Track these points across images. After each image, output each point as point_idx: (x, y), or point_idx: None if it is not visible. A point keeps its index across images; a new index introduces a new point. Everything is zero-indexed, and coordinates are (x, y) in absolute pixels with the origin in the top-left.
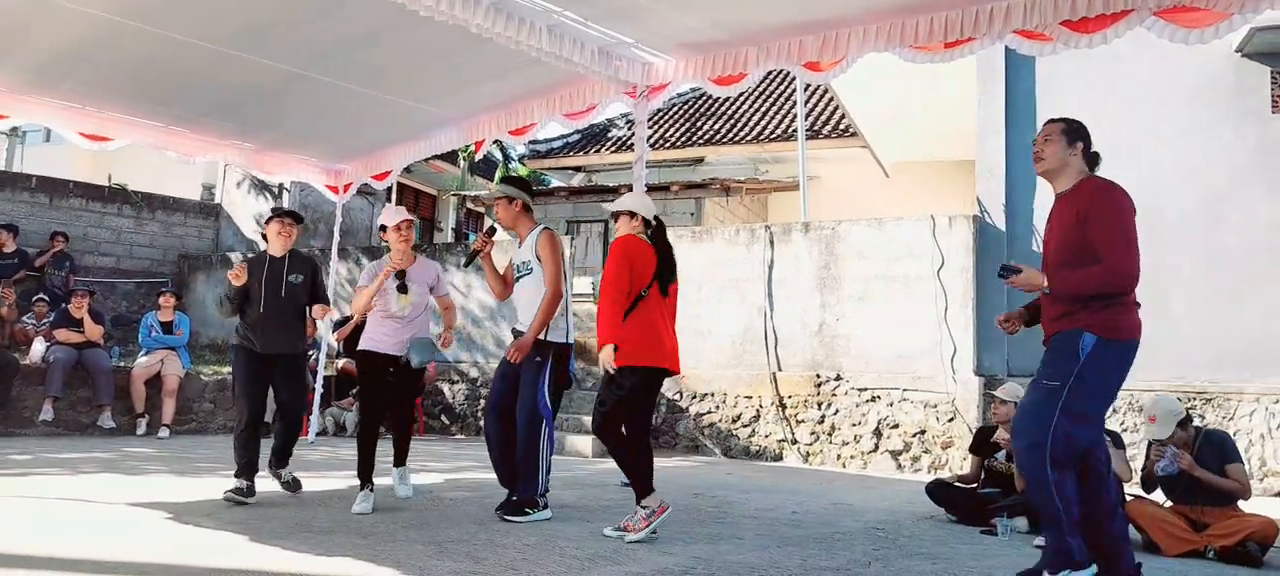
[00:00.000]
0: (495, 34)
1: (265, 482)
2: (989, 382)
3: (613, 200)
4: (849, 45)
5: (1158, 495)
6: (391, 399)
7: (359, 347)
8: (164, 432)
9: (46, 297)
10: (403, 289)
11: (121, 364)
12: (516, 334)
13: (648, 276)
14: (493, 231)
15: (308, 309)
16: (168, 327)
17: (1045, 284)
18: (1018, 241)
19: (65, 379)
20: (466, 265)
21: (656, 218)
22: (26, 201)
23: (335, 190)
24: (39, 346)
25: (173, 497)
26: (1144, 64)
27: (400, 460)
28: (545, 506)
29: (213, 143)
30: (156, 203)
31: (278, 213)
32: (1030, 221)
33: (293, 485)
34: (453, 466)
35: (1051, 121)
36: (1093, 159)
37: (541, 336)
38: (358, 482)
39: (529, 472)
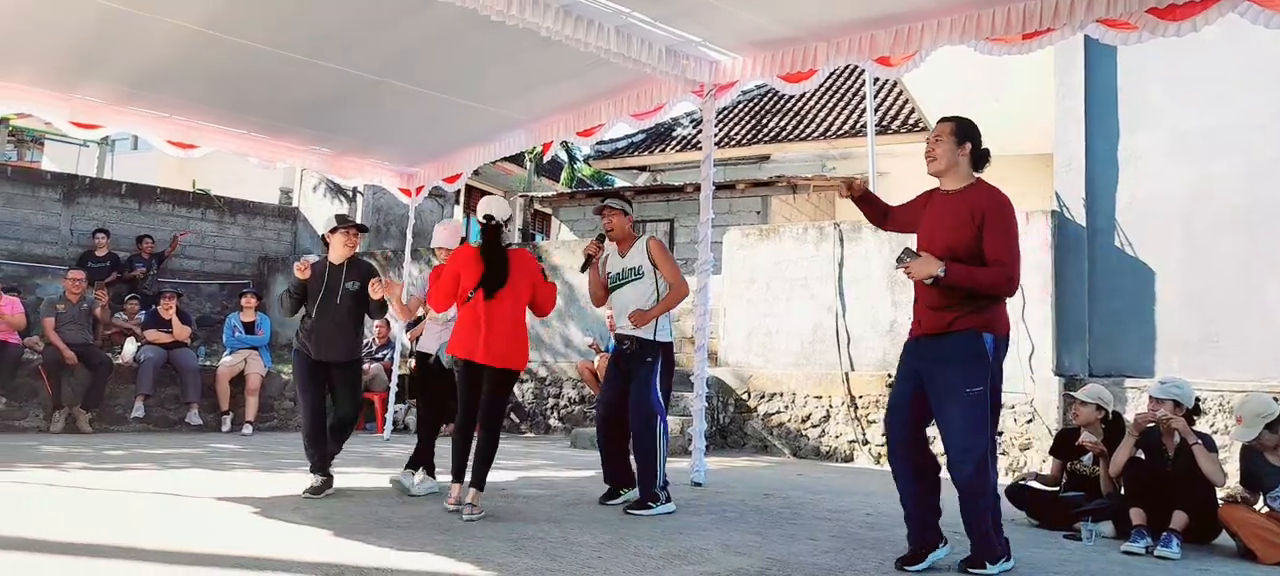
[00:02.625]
0: (564, 36)
1: (352, 478)
2: (1069, 383)
3: (678, 199)
4: (922, 39)
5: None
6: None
7: (417, 349)
8: (247, 429)
9: (138, 297)
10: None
11: (207, 363)
12: (621, 339)
13: (470, 285)
14: (603, 238)
15: (367, 312)
16: (250, 328)
17: (939, 270)
18: (1100, 237)
19: (155, 377)
20: (583, 270)
21: (489, 219)
22: (117, 207)
23: (408, 193)
24: (130, 346)
25: (258, 492)
26: (1231, 50)
27: (419, 462)
28: (667, 499)
29: (291, 148)
30: (237, 207)
31: (343, 222)
32: (1112, 217)
33: (321, 487)
34: (524, 464)
35: (943, 121)
36: (980, 158)
37: (653, 336)
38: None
39: (649, 468)
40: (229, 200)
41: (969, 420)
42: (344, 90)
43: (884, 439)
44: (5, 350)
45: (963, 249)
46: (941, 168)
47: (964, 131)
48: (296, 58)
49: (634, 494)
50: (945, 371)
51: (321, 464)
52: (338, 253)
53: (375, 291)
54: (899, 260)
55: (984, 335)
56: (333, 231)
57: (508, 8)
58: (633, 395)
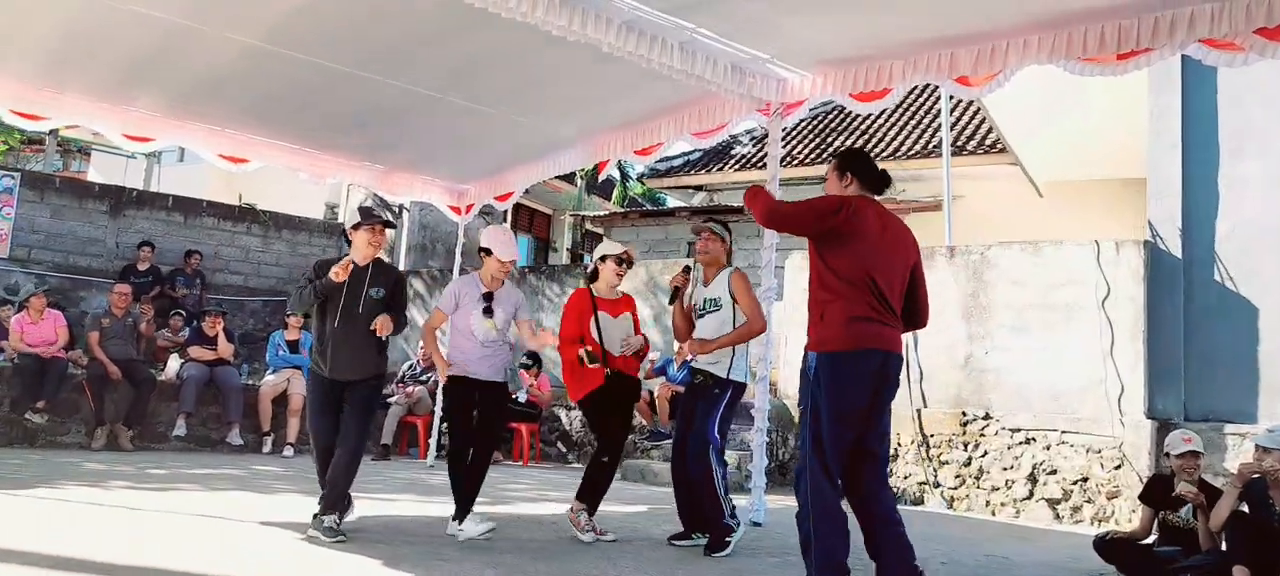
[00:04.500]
0: (626, 52)
1: (396, 507)
2: (1162, 426)
3: (737, 221)
4: (1007, 58)
5: None
6: (481, 427)
7: (450, 373)
8: (288, 451)
9: (182, 312)
10: (489, 312)
11: (249, 382)
12: (693, 372)
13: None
14: (688, 270)
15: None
16: (294, 347)
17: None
18: (1197, 269)
19: (198, 395)
20: (671, 302)
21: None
22: (163, 220)
23: (458, 211)
24: (174, 363)
25: (302, 516)
26: None
27: (464, 510)
28: (738, 524)
29: (342, 163)
30: (283, 222)
31: (368, 217)
32: (1211, 248)
33: (333, 532)
34: (570, 497)
35: (832, 155)
36: (876, 181)
37: (726, 373)
38: (455, 514)
39: (715, 503)
40: (274, 215)
41: (801, 443)
42: (400, 105)
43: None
44: (50, 365)
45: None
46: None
47: (845, 164)
48: (355, 73)
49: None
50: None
51: (334, 505)
52: (361, 252)
53: (381, 329)
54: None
55: (807, 354)
56: (356, 227)
57: (570, 23)
58: (692, 426)
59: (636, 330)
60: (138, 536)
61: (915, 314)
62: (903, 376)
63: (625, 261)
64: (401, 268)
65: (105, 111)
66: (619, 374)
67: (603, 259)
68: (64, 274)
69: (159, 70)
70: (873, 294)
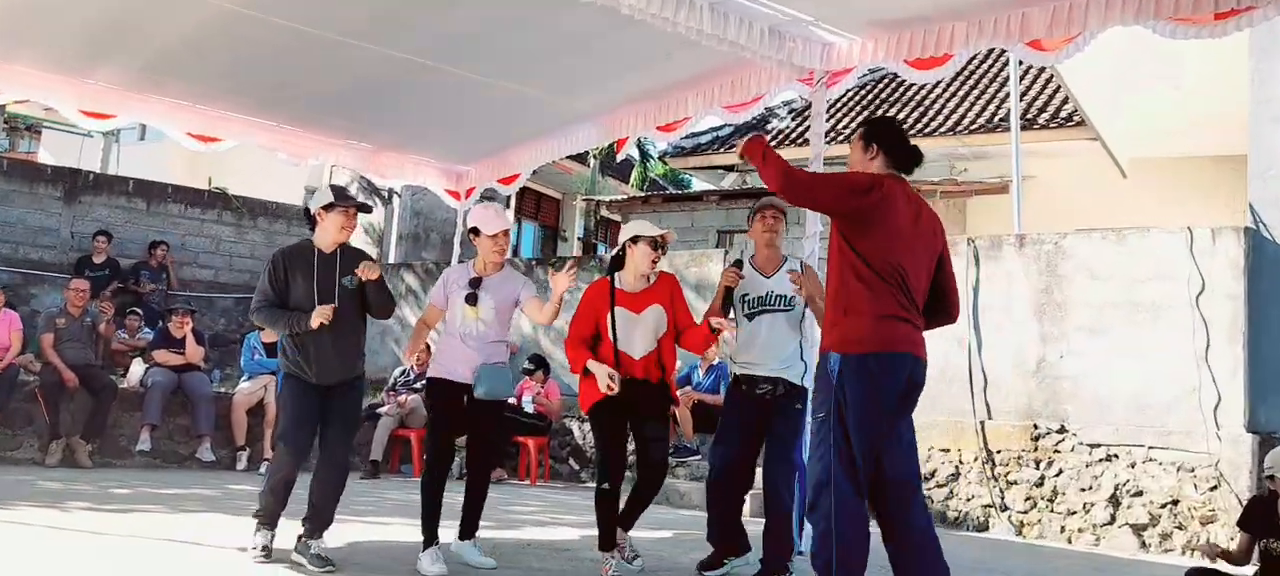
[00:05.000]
0: (649, 15)
1: (388, 530)
2: (1265, 441)
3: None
4: (1087, 18)
5: None
6: (474, 437)
7: (428, 375)
8: (265, 469)
9: (140, 311)
10: (472, 299)
11: (221, 390)
12: (755, 381)
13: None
14: (739, 264)
15: (368, 311)
16: (272, 350)
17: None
18: None
19: (164, 405)
20: (726, 307)
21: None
22: (123, 206)
23: (456, 195)
24: (137, 369)
25: (285, 543)
26: None
27: (469, 530)
28: (798, 553)
29: (326, 143)
30: (258, 208)
31: (341, 198)
32: None
33: (321, 561)
34: (589, 520)
35: (858, 125)
36: (906, 157)
37: (801, 378)
38: (422, 540)
39: (786, 536)
40: (248, 201)
41: (816, 448)
42: (392, 77)
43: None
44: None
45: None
46: None
47: (871, 134)
48: (342, 40)
49: (743, 565)
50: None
51: (276, 520)
52: (331, 237)
53: (368, 272)
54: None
55: (830, 355)
56: (327, 208)
57: None
58: (772, 451)
59: (680, 321)
60: (103, 564)
61: (943, 308)
62: (964, 382)
63: (661, 246)
64: (391, 260)
65: (60, 84)
66: (634, 381)
67: (634, 241)
68: (12, 268)
69: (121, 38)
70: (902, 290)
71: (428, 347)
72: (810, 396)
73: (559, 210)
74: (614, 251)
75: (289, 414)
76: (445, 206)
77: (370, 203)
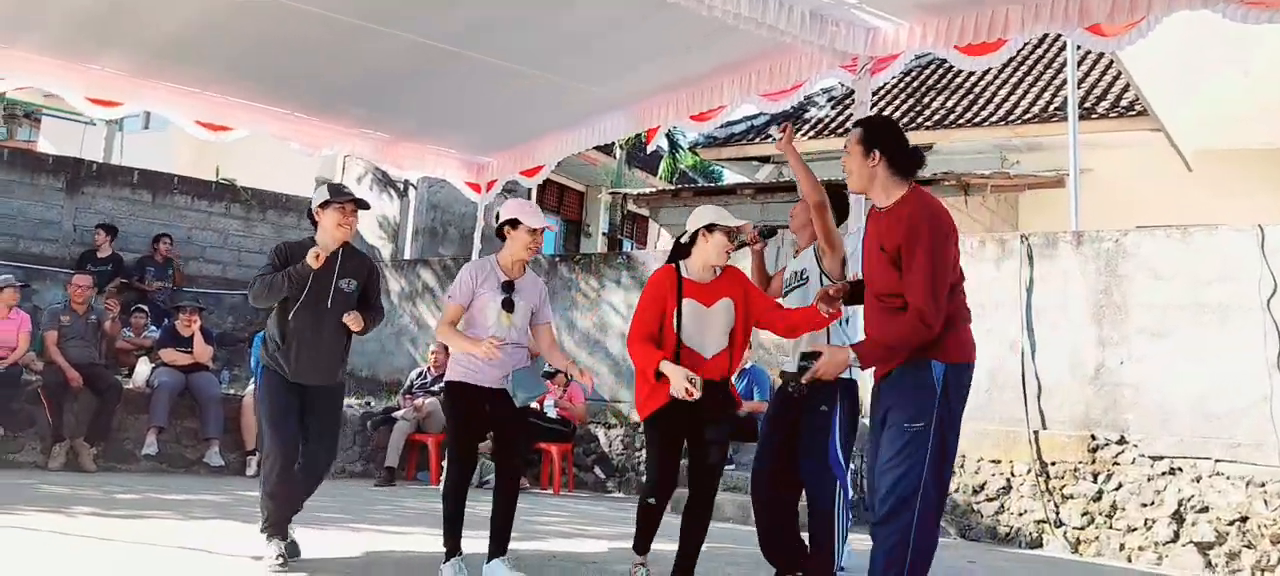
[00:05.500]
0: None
1: (408, 540)
2: None
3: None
4: (1151, 2)
5: None
6: (502, 444)
7: (448, 378)
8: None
9: (146, 309)
10: (509, 305)
11: (230, 391)
12: (786, 377)
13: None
14: (772, 232)
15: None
16: None
17: (852, 362)
18: None
19: (171, 407)
20: (738, 247)
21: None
22: (127, 198)
23: (477, 188)
24: (143, 369)
25: (301, 551)
26: None
27: (499, 547)
28: (840, 570)
29: (341, 132)
30: (268, 201)
31: (338, 195)
32: None
33: (291, 549)
34: (615, 531)
35: (854, 125)
36: (907, 161)
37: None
38: (444, 551)
39: (824, 545)
40: (258, 192)
41: (898, 458)
42: (411, 64)
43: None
44: (2, 373)
45: (893, 286)
46: (857, 187)
47: (870, 137)
48: (360, 24)
49: None
50: (892, 410)
51: (286, 524)
52: (330, 236)
53: (352, 323)
54: (789, 384)
55: (932, 364)
56: (324, 205)
57: None
58: (804, 452)
59: (761, 311)
60: (112, 572)
61: None
62: (1017, 389)
63: (739, 239)
64: (406, 256)
65: (66, 71)
66: (709, 382)
67: (709, 229)
68: (13, 262)
69: (129, 22)
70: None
71: (444, 348)
72: (840, 395)
73: (583, 203)
74: (683, 238)
75: (269, 408)
76: (464, 200)
77: (386, 202)
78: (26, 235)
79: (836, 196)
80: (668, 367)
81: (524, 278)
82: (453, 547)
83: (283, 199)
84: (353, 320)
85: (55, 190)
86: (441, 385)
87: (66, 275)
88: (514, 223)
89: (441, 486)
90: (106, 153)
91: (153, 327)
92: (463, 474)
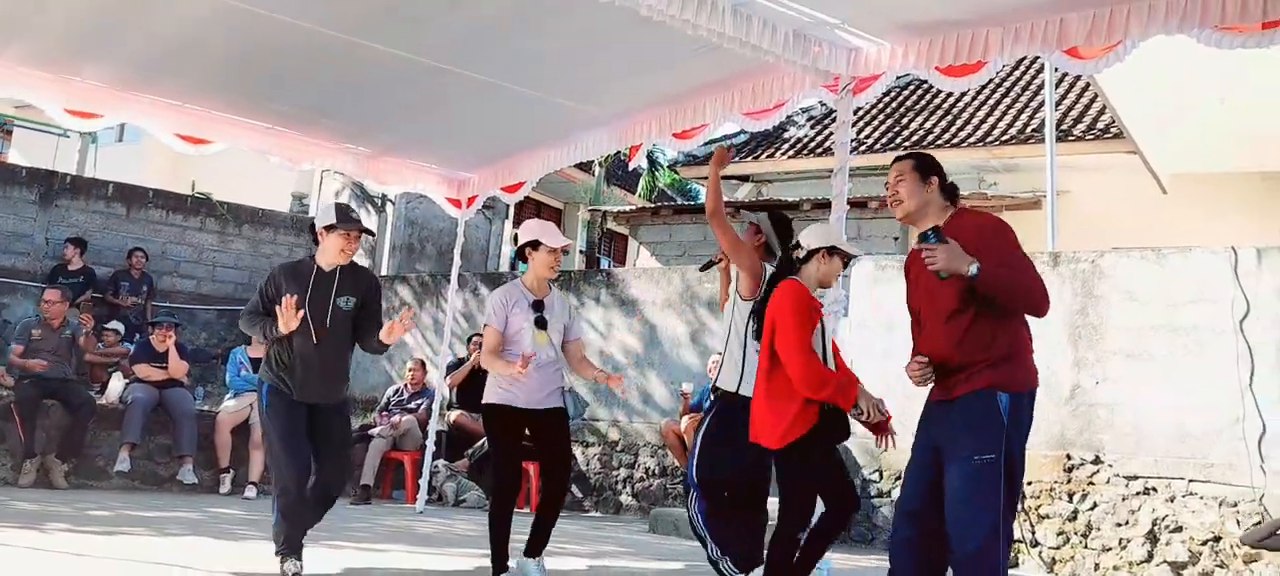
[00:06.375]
0: (669, 16)
1: (386, 557)
2: None
3: (791, 217)
4: (1128, 26)
5: None
6: (554, 458)
7: (486, 400)
8: (250, 491)
9: (122, 329)
10: (541, 324)
11: (204, 407)
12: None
13: None
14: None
15: (363, 342)
16: (258, 365)
17: (972, 269)
18: None
19: (144, 423)
20: (703, 269)
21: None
22: (101, 211)
23: (457, 204)
24: (117, 384)
25: (275, 567)
26: None
27: (537, 547)
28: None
29: (321, 146)
30: (244, 215)
31: (346, 220)
32: None
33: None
34: (594, 551)
35: (899, 158)
36: (950, 191)
37: (715, 382)
38: (491, 569)
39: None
40: (234, 207)
41: (972, 492)
42: (393, 78)
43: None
44: None
45: (964, 295)
46: (910, 210)
47: (925, 165)
48: (341, 37)
49: None
50: (955, 440)
51: (298, 546)
52: (330, 258)
53: (391, 335)
54: (923, 238)
55: (997, 394)
56: (329, 228)
57: None
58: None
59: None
60: None
61: None
62: None
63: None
64: (383, 272)
65: (46, 82)
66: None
67: (830, 252)
68: None
69: (110, 34)
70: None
71: (422, 364)
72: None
73: (561, 221)
74: (800, 255)
75: (279, 427)
76: (442, 215)
77: (364, 217)
78: None
79: (779, 220)
80: (863, 394)
81: (550, 296)
82: (500, 565)
83: (259, 214)
84: (391, 332)
85: (28, 203)
86: (418, 402)
87: (38, 289)
88: (535, 244)
89: (489, 509)
90: (80, 165)
91: (126, 342)
92: (509, 495)
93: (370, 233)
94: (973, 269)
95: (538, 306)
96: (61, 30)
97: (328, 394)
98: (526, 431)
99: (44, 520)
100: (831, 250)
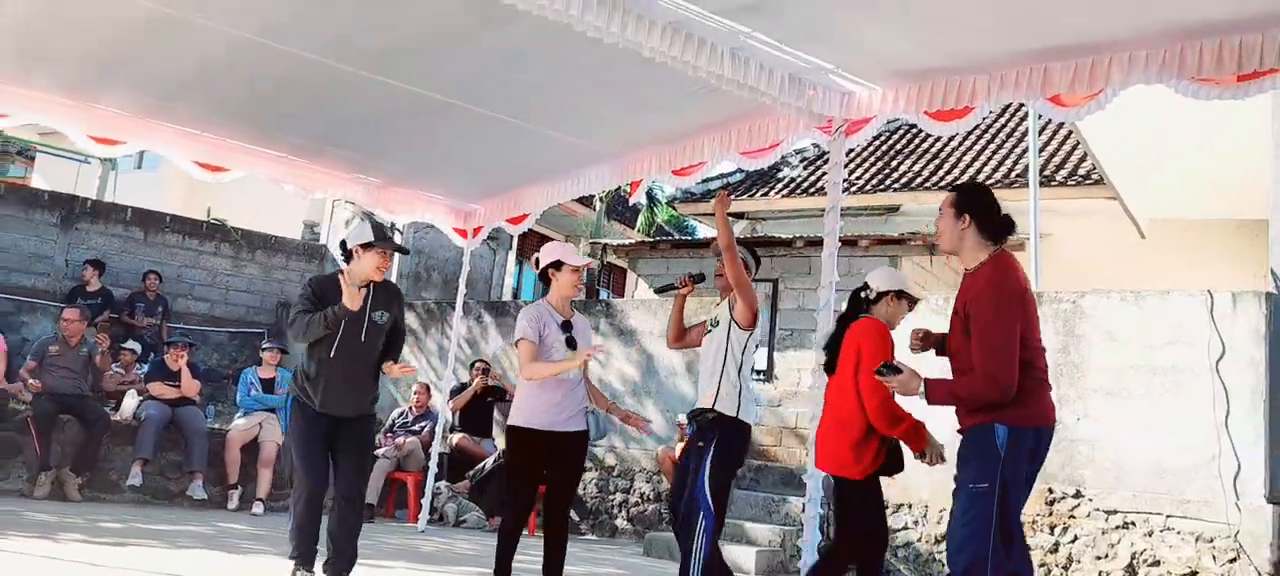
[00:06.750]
0: (671, 58)
1: (389, 574)
2: None
3: (785, 255)
4: (1109, 75)
5: None
6: (562, 483)
7: (509, 422)
8: (258, 508)
9: (138, 350)
10: (572, 344)
11: (215, 426)
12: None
13: None
14: (701, 278)
15: (387, 359)
16: (269, 386)
17: (918, 389)
18: None
19: (157, 439)
20: (660, 292)
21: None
22: (120, 235)
23: (464, 234)
24: (131, 401)
25: None
26: None
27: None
28: None
29: (334, 176)
30: (257, 241)
31: (383, 239)
32: None
33: None
34: (588, 572)
35: (951, 189)
36: (997, 228)
37: (711, 408)
38: None
39: (683, 567)
40: (248, 233)
41: (966, 517)
42: (405, 111)
43: None
44: None
45: (962, 347)
46: (947, 247)
47: (962, 202)
48: (356, 73)
49: None
50: (959, 469)
51: (311, 556)
52: (365, 276)
53: (391, 372)
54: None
55: (996, 427)
56: (366, 246)
57: (608, 23)
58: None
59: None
60: None
61: None
62: None
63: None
64: None
65: (71, 109)
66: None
67: (899, 295)
68: (4, 294)
69: (134, 64)
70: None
71: (427, 388)
72: (718, 432)
73: None
74: (869, 295)
75: (299, 441)
76: (448, 245)
77: (385, 226)
78: (19, 268)
79: (750, 252)
80: (929, 438)
81: (575, 317)
82: None
83: (272, 240)
84: (395, 370)
85: (50, 226)
86: (422, 425)
87: (57, 308)
88: (557, 265)
89: (500, 527)
90: (100, 190)
91: (141, 367)
92: (520, 517)
93: (405, 251)
94: (920, 390)
95: (567, 326)
96: (85, 59)
97: (354, 405)
98: (546, 452)
99: (58, 531)
100: (900, 293)
